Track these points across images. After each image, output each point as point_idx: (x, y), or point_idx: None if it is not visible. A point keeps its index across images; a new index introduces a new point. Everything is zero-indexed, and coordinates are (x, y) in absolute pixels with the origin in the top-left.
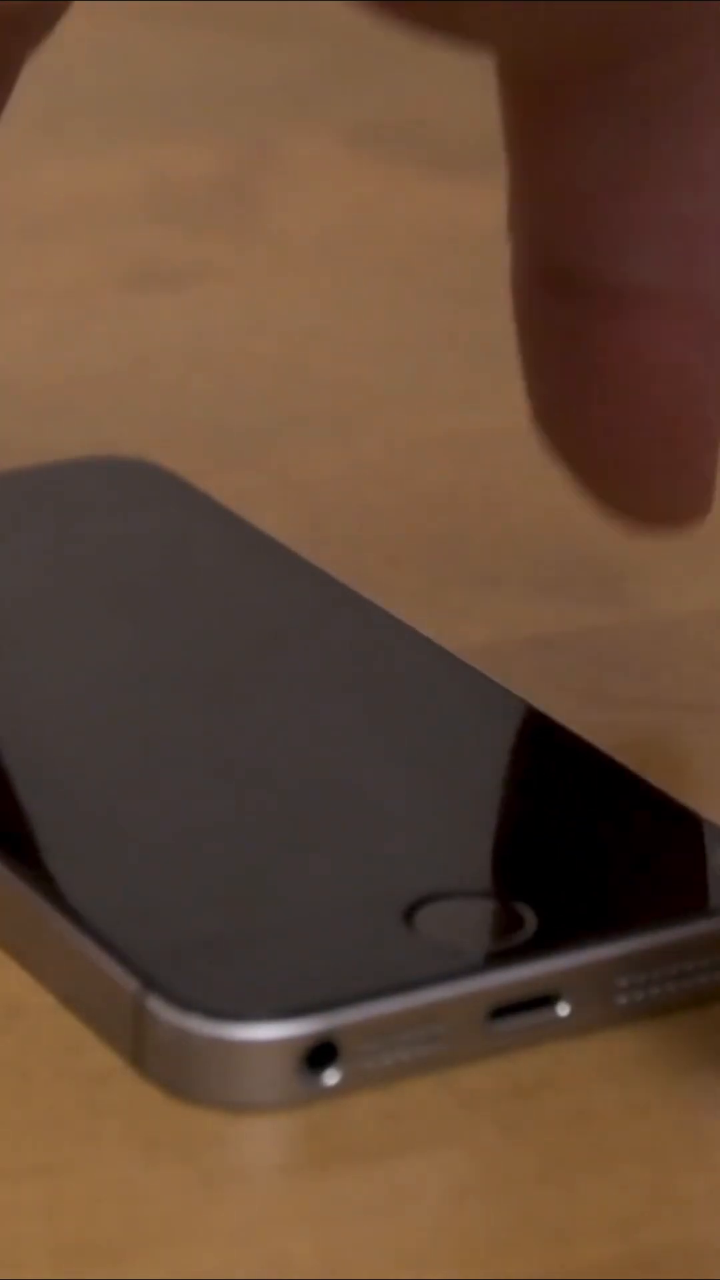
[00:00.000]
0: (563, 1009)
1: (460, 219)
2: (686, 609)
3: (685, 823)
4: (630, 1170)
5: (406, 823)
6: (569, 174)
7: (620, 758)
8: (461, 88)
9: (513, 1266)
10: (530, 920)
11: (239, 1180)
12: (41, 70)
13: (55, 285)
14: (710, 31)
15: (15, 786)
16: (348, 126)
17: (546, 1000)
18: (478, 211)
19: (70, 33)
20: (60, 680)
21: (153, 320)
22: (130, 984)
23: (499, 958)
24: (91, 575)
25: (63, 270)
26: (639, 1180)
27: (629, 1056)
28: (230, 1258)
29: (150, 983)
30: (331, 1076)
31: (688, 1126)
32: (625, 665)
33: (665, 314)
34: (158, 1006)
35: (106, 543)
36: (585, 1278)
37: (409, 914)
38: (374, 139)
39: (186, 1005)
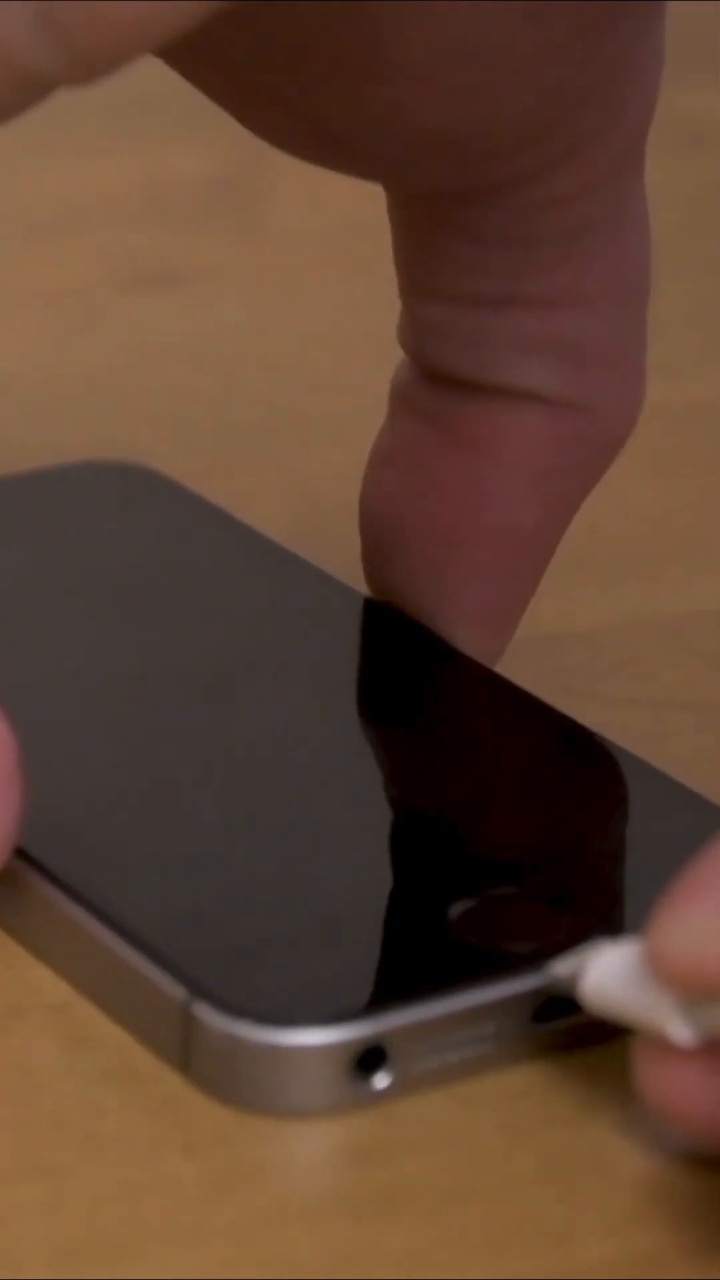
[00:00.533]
0: None
1: None
2: (686, 609)
3: (714, 818)
4: (630, 1170)
5: (445, 826)
6: (453, 291)
7: None
8: None
9: (512, 1267)
10: (570, 920)
11: (239, 1180)
12: None
13: (56, 286)
14: (593, 153)
15: (48, 795)
16: None
17: None
18: None
19: None
20: (77, 687)
21: (153, 320)
22: (178, 992)
23: (543, 958)
24: (89, 580)
25: (63, 271)
26: (639, 1181)
27: (629, 1057)
28: (230, 1258)
29: (198, 990)
30: (381, 1080)
31: None
32: (625, 665)
33: (541, 415)
34: (206, 1013)
35: (102, 546)
36: (585, 1278)
37: (451, 916)
38: None
39: (235, 1011)
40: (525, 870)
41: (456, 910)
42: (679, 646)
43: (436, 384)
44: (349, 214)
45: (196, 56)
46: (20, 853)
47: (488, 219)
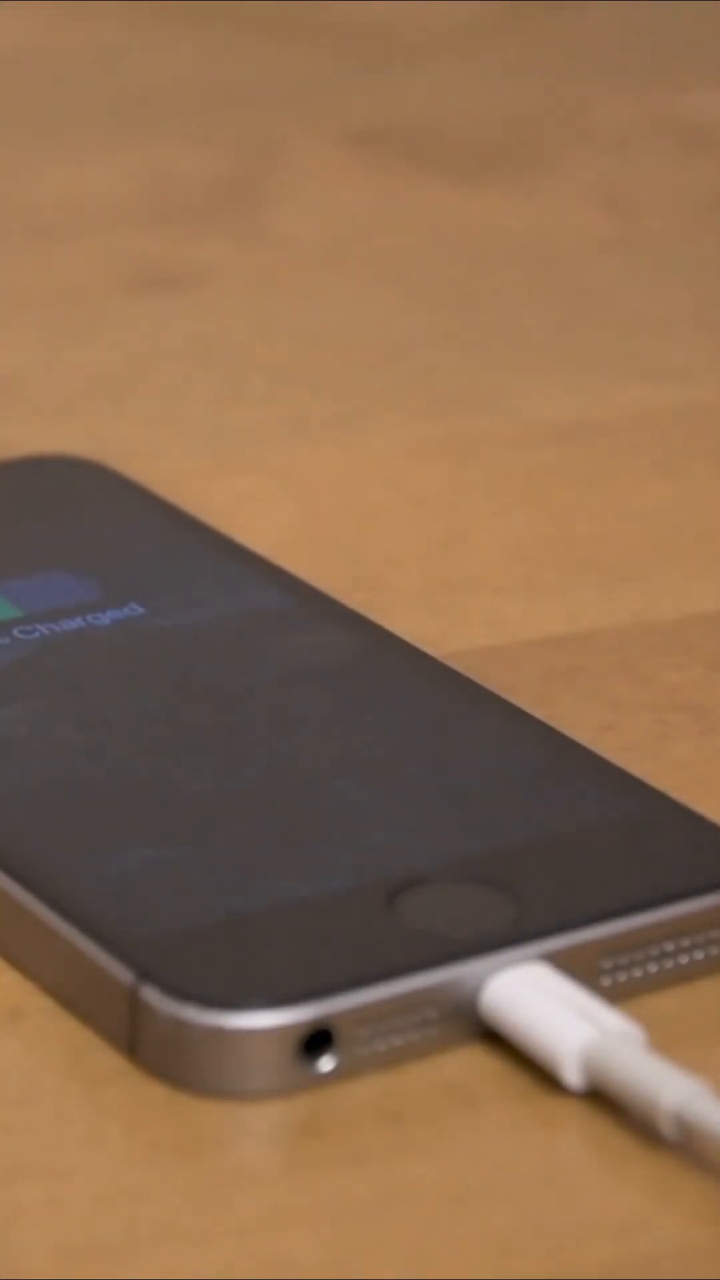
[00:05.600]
0: None
1: (462, 221)
2: (688, 611)
3: (659, 807)
4: (631, 1172)
5: (389, 813)
6: None
7: (622, 759)
8: (465, 91)
9: (514, 1268)
10: (513, 905)
11: (239, 1181)
12: (44, 73)
13: (58, 287)
14: None
15: None
16: (350, 129)
17: None
18: (479, 213)
19: (73, 35)
20: (39, 671)
21: (154, 322)
22: (125, 975)
23: (486, 942)
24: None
25: (65, 273)
26: (640, 1182)
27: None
28: (230, 1258)
29: (145, 973)
30: (327, 1063)
31: None
32: (627, 667)
33: None
34: (153, 997)
35: (49, 540)
36: (586, 1279)
37: (398, 901)
38: (376, 141)
39: (182, 995)
40: (466, 856)
41: (402, 896)
42: (680, 648)
43: None
44: (350, 216)
45: None
46: None
47: None
